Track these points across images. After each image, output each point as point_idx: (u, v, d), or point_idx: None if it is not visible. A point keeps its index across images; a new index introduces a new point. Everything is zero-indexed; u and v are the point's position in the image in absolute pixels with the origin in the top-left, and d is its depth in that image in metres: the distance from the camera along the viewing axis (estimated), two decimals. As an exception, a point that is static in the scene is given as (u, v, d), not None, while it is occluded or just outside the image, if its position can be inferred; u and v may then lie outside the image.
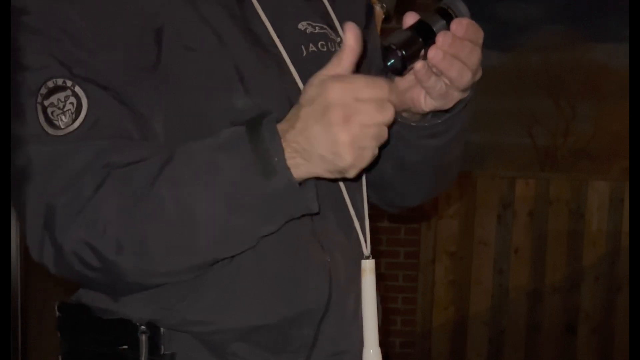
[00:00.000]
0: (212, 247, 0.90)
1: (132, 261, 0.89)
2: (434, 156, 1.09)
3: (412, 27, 0.87)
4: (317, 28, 1.05)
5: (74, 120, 0.87)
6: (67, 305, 1.05)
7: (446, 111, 1.00)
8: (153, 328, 0.97)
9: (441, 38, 0.88)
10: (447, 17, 0.89)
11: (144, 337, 0.96)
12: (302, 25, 1.03)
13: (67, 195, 0.87)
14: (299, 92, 0.87)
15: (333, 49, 1.04)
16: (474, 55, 0.91)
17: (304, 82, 0.89)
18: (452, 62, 0.90)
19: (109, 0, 0.91)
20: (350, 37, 0.82)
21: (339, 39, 1.07)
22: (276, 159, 0.82)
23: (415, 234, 3.98)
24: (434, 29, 0.87)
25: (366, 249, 1.05)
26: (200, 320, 0.96)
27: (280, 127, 0.84)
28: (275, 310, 0.98)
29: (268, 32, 0.98)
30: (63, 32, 0.88)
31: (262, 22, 0.98)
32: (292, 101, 0.89)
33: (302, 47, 1.02)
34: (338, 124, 0.80)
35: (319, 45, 1.03)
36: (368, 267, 1.04)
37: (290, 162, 0.83)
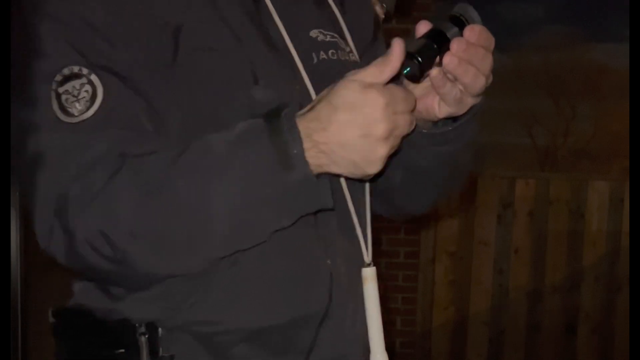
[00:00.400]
0: (225, 239, 0.90)
1: (144, 251, 0.88)
2: (445, 162, 1.10)
3: (427, 35, 0.89)
4: (328, 37, 1.06)
5: (88, 108, 0.87)
6: (61, 310, 1.04)
7: (455, 119, 1.02)
8: (152, 329, 0.96)
9: (455, 45, 0.90)
10: (460, 24, 0.91)
11: (143, 339, 0.95)
12: (313, 33, 1.05)
13: (81, 183, 0.86)
14: (309, 98, 0.92)
15: (343, 58, 1.06)
16: (486, 61, 0.93)
17: (315, 88, 0.95)
18: (467, 68, 0.92)
19: None
20: (397, 50, 0.84)
21: (348, 49, 1.09)
22: (295, 151, 0.83)
23: (415, 234, 3.99)
24: (448, 36, 0.89)
25: (367, 257, 1.05)
26: (206, 320, 0.96)
27: (306, 124, 0.84)
28: (278, 312, 0.98)
29: (282, 37, 0.99)
30: (82, 21, 0.89)
31: (277, 27, 0.99)
32: (303, 105, 0.90)
33: (313, 54, 1.03)
34: (381, 138, 0.83)
35: (330, 54, 1.05)
36: (369, 275, 1.04)
37: (312, 160, 0.84)
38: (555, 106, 4.21)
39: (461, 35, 0.89)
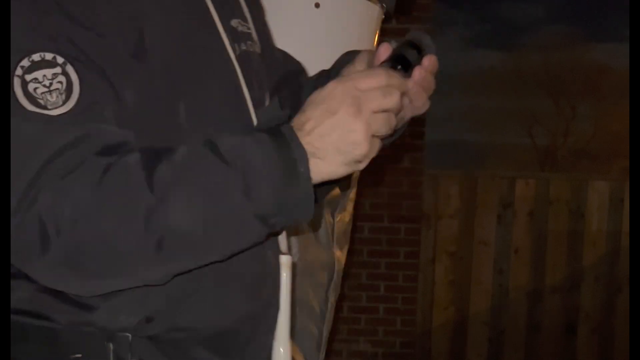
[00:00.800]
0: (219, 246, 0.88)
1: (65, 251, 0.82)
2: None
3: (391, 58, 0.96)
4: (244, 27, 1.07)
5: (64, 102, 0.81)
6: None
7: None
8: (120, 336, 0.92)
9: (417, 73, 0.97)
10: (417, 48, 0.99)
11: (111, 346, 0.91)
12: (234, 22, 1.04)
13: (59, 174, 0.80)
14: (242, 92, 0.98)
15: (252, 50, 1.06)
16: (432, 88, 1.02)
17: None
18: (421, 93, 1.00)
19: None
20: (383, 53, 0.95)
21: (255, 39, 1.10)
22: (302, 170, 0.84)
23: (415, 234, 3.99)
24: (409, 59, 0.97)
25: (283, 245, 1.05)
26: (171, 326, 0.94)
27: (306, 139, 0.86)
28: (237, 312, 0.98)
29: (216, 27, 0.99)
30: (58, 7, 0.83)
31: (212, 17, 0.99)
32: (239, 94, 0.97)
33: (236, 45, 1.03)
34: (350, 115, 0.85)
35: (248, 45, 1.06)
36: (285, 262, 1.04)
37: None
38: (555, 106, 4.22)
39: (420, 59, 0.97)
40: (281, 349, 1.03)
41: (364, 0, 1.68)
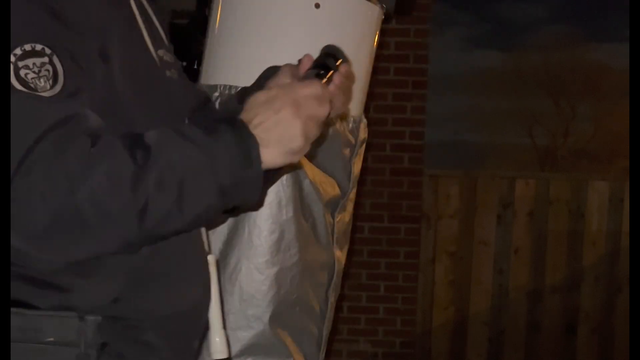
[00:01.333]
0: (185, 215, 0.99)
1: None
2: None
3: (314, 66, 1.17)
4: (168, 57, 1.23)
5: (51, 87, 0.92)
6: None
7: None
8: (91, 319, 1.02)
9: (336, 77, 1.18)
10: (333, 57, 1.19)
11: (83, 327, 1.01)
12: (160, 52, 1.19)
13: (54, 146, 0.89)
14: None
15: (174, 77, 1.23)
16: (350, 91, 1.25)
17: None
18: (340, 95, 1.21)
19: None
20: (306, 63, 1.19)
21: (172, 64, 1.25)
22: (255, 154, 1.00)
23: (415, 234, 3.99)
24: (330, 66, 1.17)
25: (207, 246, 1.22)
26: (132, 309, 1.06)
27: (255, 131, 1.02)
28: (191, 299, 1.14)
29: (152, 55, 1.16)
30: (45, 5, 0.94)
31: (149, 46, 1.15)
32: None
33: (166, 71, 1.20)
34: (291, 114, 1.02)
35: (172, 72, 1.22)
36: (211, 261, 1.20)
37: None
38: (555, 106, 4.22)
39: (337, 67, 1.17)
40: (217, 339, 1.18)
41: (364, 0, 1.68)
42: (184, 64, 2.68)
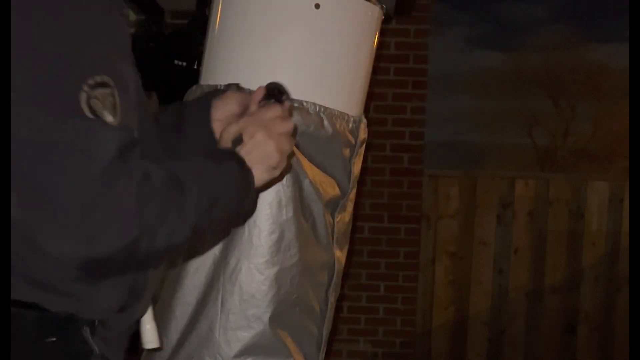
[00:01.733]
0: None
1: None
2: None
3: (268, 96, 1.33)
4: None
5: (113, 117, 0.98)
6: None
7: None
8: (92, 322, 1.09)
9: (286, 104, 1.32)
10: (279, 91, 1.35)
11: (85, 330, 1.07)
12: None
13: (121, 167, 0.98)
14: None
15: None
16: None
17: None
18: None
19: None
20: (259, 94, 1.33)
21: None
22: (251, 178, 1.18)
23: (415, 234, 3.99)
24: (278, 98, 1.34)
25: None
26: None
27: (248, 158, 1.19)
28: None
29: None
30: (113, 36, 1.03)
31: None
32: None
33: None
34: (264, 136, 1.20)
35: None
36: None
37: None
38: (555, 106, 4.22)
39: (283, 100, 1.33)
40: (147, 326, 1.25)
41: (364, 0, 1.68)
42: (184, 64, 2.67)
